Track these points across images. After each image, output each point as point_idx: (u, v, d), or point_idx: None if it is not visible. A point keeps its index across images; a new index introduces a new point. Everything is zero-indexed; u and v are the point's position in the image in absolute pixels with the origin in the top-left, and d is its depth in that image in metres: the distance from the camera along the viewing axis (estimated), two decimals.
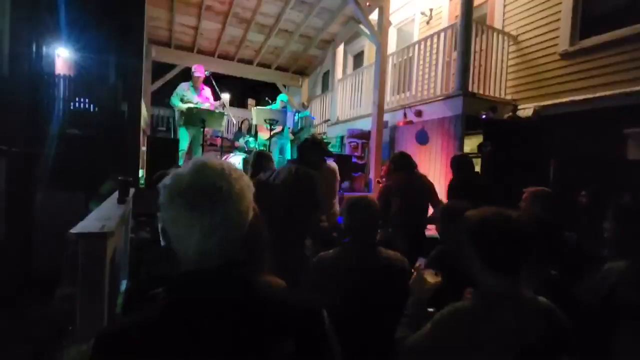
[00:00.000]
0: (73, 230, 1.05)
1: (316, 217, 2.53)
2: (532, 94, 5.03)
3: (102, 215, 1.49)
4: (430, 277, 1.24)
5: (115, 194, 2.21)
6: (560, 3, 4.77)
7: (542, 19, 5.00)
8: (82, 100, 6.55)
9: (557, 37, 4.80)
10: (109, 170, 3.64)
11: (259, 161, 2.90)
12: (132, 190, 2.39)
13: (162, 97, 8.09)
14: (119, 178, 2.24)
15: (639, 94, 3.92)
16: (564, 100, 4.62)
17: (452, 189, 3.19)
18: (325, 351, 0.60)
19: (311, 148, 2.55)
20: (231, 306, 0.56)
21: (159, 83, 6.74)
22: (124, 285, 2.44)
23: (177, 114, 5.08)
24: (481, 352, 0.95)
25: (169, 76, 6.75)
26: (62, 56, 5.59)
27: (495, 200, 2.38)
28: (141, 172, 4.16)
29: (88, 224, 1.18)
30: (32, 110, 4.16)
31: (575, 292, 1.48)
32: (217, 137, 6.46)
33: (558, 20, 4.79)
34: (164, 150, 3.47)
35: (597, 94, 4.28)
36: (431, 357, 1.03)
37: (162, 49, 6.57)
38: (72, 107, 6.20)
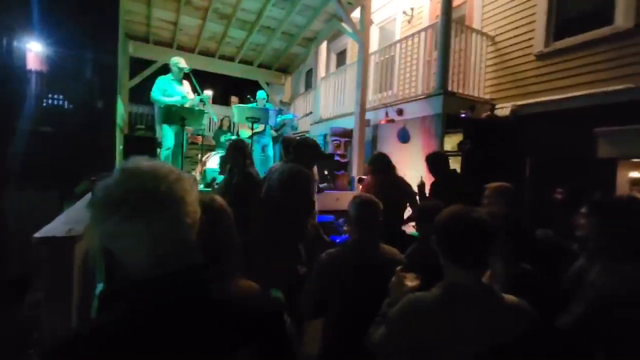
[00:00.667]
0: (37, 235, 1.01)
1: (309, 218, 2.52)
2: (510, 93, 5.17)
3: (71, 218, 1.44)
4: (410, 281, 1.26)
5: (89, 195, 2.14)
6: (535, 5, 4.91)
7: (518, 20, 5.13)
8: (55, 96, 6.30)
9: (532, 38, 4.94)
10: (84, 169, 3.52)
11: (235, 153, 2.86)
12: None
13: (141, 94, 7.88)
14: (92, 179, 2.18)
15: (607, 95, 4.09)
16: (539, 100, 4.77)
17: (435, 189, 3.23)
18: (285, 353, 0.60)
19: (308, 148, 2.56)
20: (187, 312, 0.54)
21: (137, 79, 6.55)
22: (100, 288, 2.37)
23: (156, 111, 4.94)
24: (440, 343, 0.96)
25: (147, 72, 6.56)
26: (34, 51, 5.36)
27: (476, 199, 2.44)
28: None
29: (54, 228, 1.13)
30: (0, 106, 3.98)
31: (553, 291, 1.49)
32: (198, 135, 6.35)
33: (533, 22, 4.94)
34: (141, 149, 3.37)
35: (570, 94, 4.44)
36: (394, 349, 1.04)
37: (140, 45, 6.38)
38: (44, 104, 5.97)
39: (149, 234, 0.53)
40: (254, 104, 5.52)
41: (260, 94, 5.78)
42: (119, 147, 4.32)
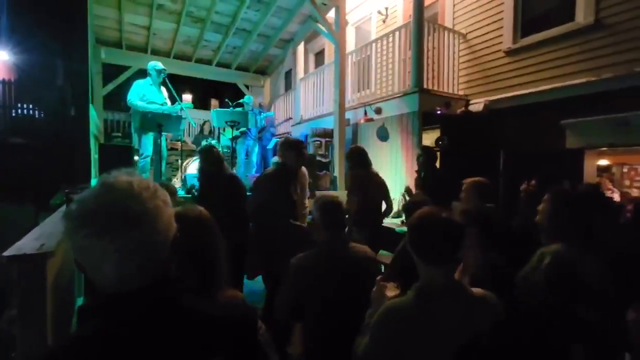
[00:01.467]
0: (6, 253, 0.99)
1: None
2: (482, 89, 5.34)
3: (44, 232, 1.42)
4: (390, 291, 1.28)
5: (63, 208, 2.10)
6: (503, 3, 5.09)
7: (487, 18, 5.31)
8: (25, 106, 6.06)
9: (501, 35, 5.12)
10: (59, 180, 3.42)
11: (207, 159, 2.88)
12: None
13: (115, 101, 7.68)
14: (66, 191, 2.14)
15: (572, 88, 4.29)
16: (510, 94, 4.95)
17: (424, 184, 3.33)
18: None
19: (291, 149, 2.61)
20: (154, 328, 0.55)
21: (111, 86, 6.38)
22: (80, 302, 2.32)
23: (132, 118, 4.82)
24: (419, 344, 0.99)
25: (121, 79, 6.40)
26: (0, 60, 5.15)
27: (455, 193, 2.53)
28: (95, 182, 3.95)
29: (25, 244, 1.12)
30: None
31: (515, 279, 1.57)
32: (178, 141, 6.25)
33: (501, 19, 5.12)
34: (117, 158, 3.30)
35: (538, 89, 4.63)
36: (379, 358, 1.06)
37: (112, 50, 6.22)
38: (13, 114, 5.75)
39: (115, 251, 0.54)
40: (239, 108, 5.53)
41: (248, 98, 5.86)
42: (95, 156, 4.21)
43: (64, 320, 1.51)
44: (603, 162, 6.32)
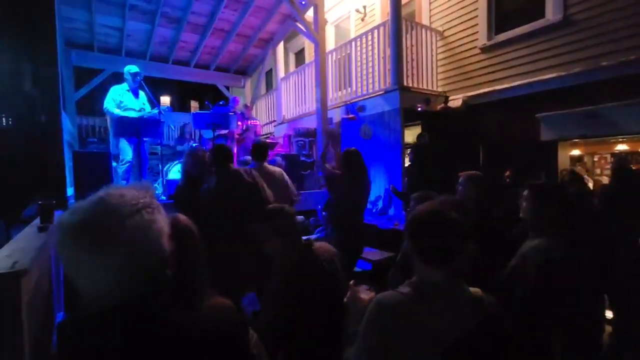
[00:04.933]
0: None
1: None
2: (460, 85, 5.47)
3: (17, 248, 1.34)
4: (364, 294, 1.26)
5: (36, 221, 2.00)
6: (477, 1, 5.21)
7: (463, 15, 5.43)
8: None
9: (477, 32, 5.25)
10: (31, 191, 3.27)
11: (195, 163, 2.82)
12: (57, 214, 2.18)
13: (90, 106, 7.42)
14: (40, 202, 2.04)
15: (544, 82, 4.45)
16: (486, 90, 5.08)
17: (413, 177, 3.36)
18: None
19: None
20: (138, 343, 0.55)
21: (84, 90, 6.15)
22: (60, 318, 2.23)
23: (109, 124, 4.66)
24: (412, 340, 0.98)
25: (95, 82, 6.18)
26: None
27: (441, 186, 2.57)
28: (72, 191, 3.79)
29: None
30: None
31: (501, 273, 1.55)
32: (158, 145, 6.09)
33: (476, 16, 5.25)
34: (93, 166, 3.18)
35: (513, 84, 4.78)
36: (374, 355, 1.02)
37: (83, 53, 5.99)
38: None
39: (102, 266, 0.54)
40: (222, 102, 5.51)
41: (235, 101, 5.87)
42: (70, 164, 4.05)
43: (44, 339, 1.44)
44: (576, 152, 6.59)
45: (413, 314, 0.98)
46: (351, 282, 1.30)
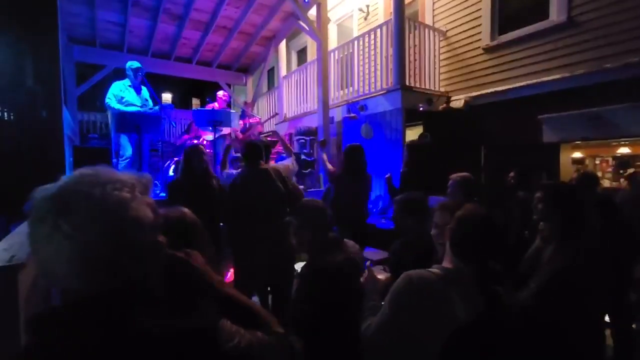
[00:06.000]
0: None
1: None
2: (462, 85, 5.45)
3: (15, 242, 1.34)
4: (380, 275, 1.35)
5: None
6: (481, 1, 5.19)
7: (466, 15, 5.40)
8: None
9: (480, 32, 5.23)
10: (31, 186, 3.27)
11: (187, 160, 2.81)
12: None
13: (91, 101, 7.41)
14: None
15: (547, 84, 4.43)
16: (488, 91, 5.06)
17: (406, 177, 3.34)
18: None
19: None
20: (101, 342, 0.51)
21: (85, 86, 6.14)
22: None
23: (110, 119, 4.65)
24: (432, 319, 1.04)
25: (97, 78, 6.17)
26: None
27: (437, 188, 2.56)
28: None
29: None
30: None
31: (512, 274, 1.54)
32: (158, 141, 6.09)
33: (480, 17, 5.22)
34: (93, 161, 3.17)
35: (515, 85, 4.76)
36: (394, 330, 1.10)
37: (85, 49, 5.98)
38: None
39: (55, 248, 0.51)
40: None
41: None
42: (70, 159, 4.05)
43: None
44: (577, 154, 6.57)
45: (437, 293, 1.06)
46: (368, 262, 1.38)
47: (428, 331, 1.05)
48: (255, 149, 2.59)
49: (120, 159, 4.34)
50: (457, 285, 1.08)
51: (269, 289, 2.61)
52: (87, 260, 0.52)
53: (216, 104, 5.41)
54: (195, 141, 5.27)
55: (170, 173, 4.74)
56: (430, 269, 1.13)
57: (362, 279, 1.38)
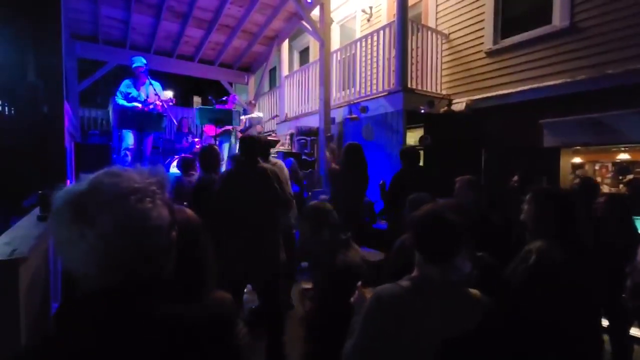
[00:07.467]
0: None
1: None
2: (464, 88, 5.45)
3: (16, 236, 1.34)
4: (369, 294, 1.27)
5: (36, 210, 2.00)
6: (484, 5, 5.20)
7: (469, 19, 5.41)
8: None
9: (482, 36, 5.24)
10: (32, 181, 3.27)
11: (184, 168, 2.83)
12: None
13: (93, 98, 7.42)
14: (40, 192, 2.03)
15: (549, 88, 4.44)
16: (490, 94, 5.07)
17: (399, 180, 3.34)
18: None
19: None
20: (124, 331, 0.54)
21: (87, 82, 6.14)
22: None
23: (111, 116, 4.67)
24: (407, 333, 1.00)
25: (98, 74, 6.16)
26: None
27: (438, 190, 2.57)
28: (72, 182, 3.79)
29: None
30: None
31: (503, 275, 1.55)
32: (160, 138, 6.09)
33: (482, 20, 5.23)
34: (94, 157, 3.18)
35: (517, 89, 4.77)
36: (371, 347, 1.05)
37: (88, 45, 5.98)
38: None
39: (79, 247, 0.54)
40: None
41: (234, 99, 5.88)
42: (71, 155, 4.05)
43: (40, 328, 1.44)
44: (577, 159, 6.57)
45: (410, 308, 1.01)
46: (358, 283, 1.33)
47: (413, 350, 1.00)
48: (253, 144, 2.44)
49: (122, 150, 4.35)
50: (431, 292, 1.03)
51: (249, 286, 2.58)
52: (108, 263, 0.56)
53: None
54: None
55: (172, 170, 4.74)
56: (399, 282, 1.08)
57: (352, 299, 1.32)
